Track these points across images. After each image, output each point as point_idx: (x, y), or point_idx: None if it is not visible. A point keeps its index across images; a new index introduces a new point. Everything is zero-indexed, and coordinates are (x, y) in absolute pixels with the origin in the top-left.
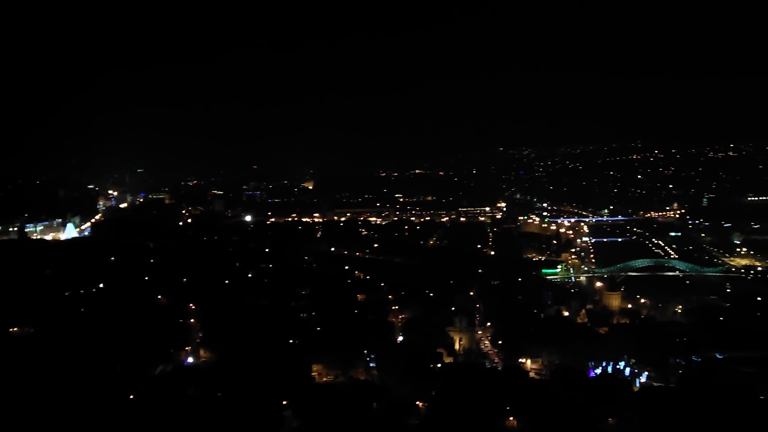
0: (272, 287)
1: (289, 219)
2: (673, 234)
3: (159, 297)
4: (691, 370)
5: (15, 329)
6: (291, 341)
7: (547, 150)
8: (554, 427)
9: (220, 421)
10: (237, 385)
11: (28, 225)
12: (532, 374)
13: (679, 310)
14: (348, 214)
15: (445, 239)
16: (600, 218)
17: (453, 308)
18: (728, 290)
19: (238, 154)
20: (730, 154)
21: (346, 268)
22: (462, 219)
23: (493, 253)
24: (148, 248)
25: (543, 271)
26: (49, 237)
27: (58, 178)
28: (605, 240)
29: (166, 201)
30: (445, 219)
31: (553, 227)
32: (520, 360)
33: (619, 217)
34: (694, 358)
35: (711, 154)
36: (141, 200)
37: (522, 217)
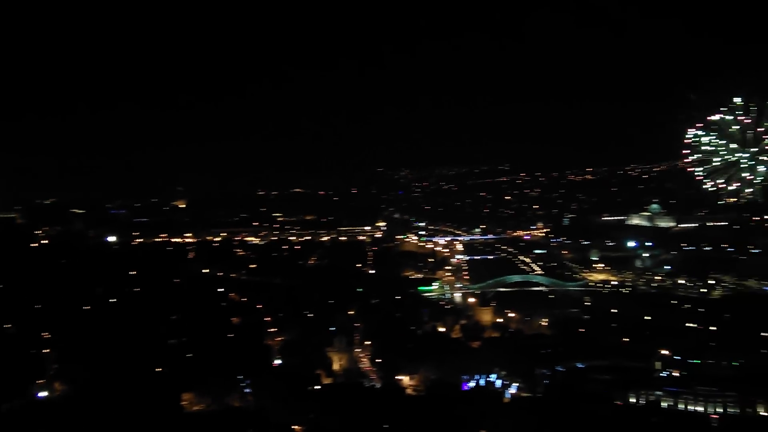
0: (138, 312)
1: (159, 239)
2: (538, 251)
3: (7, 326)
4: (555, 380)
5: None
6: (159, 369)
7: (424, 171)
8: None
9: None
10: (96, 420)
11: None
12: (409, 391)
13: (545, 323)
14: (224, 234)
15: (325, 259)
16: (473, 237)
17: (332, 328)
18: (587, 303)
19: (102, 170)
20: (588, 177)
21: (221, 290)
22: (342, 238)
23: (372, 272)
24: None
25: (420, 288)
26: None
27: None
28: (477, 258)
29: (18, 221)
30: (325, 238)
31: (430, 246)
32: (398, 377)
33: (490, 236)
34: (558, 368)
35: (571, 178)
36: None
37: (400, 236)
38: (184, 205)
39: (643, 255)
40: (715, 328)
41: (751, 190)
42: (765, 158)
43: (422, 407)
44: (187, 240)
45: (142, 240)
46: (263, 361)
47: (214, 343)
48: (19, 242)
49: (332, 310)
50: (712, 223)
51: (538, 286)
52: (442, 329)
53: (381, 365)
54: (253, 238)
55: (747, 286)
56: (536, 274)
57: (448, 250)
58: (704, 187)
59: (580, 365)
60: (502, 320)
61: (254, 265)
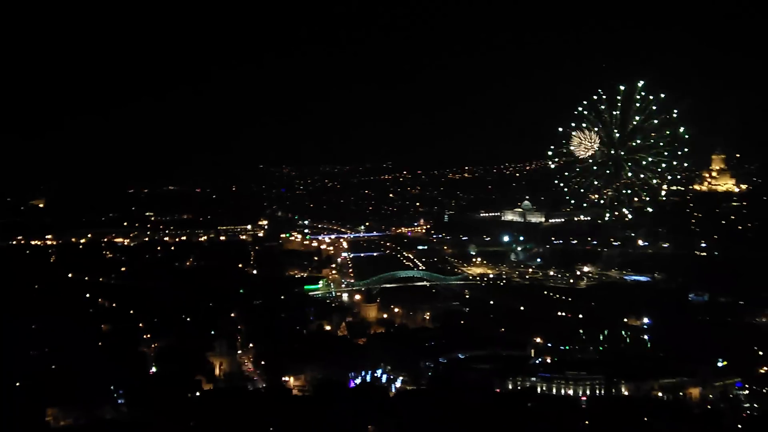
0: None
1: (14, 242)
2: (420, 247)
3: None
4: (438, 372)
5: None
6: (17, 384)
7: (307, 168)
8: None
9: None
10: None
11: None
12: (295, 391)
13: (428, 317)
14: (89, 235)
15: (204, 260)
16: (357, 234)
17: (212, 332)
18: (467, 296)
19: None
20: (466, 176)
21: (87, 296)
22: (222, 238)
23: (255, 272)
24: None
25: (305, 287)
26: None
27: None
28: (362, 255)
29: None
30: (203, 238)
31: (315, 244)
32: (284, 378)
33: (374, 233)
34: (440, 359)
35: (450, 176)
36: None
37: (284, 235)
38: (42, 204)
39: (517, 249)
40: (582, 316)
41: (613, 188)
42: (627, 157)
43: (308, 407)
44: (47, 242)
45: None
46: (138, 369)
47: (81, 353)
48: None
49: (212, 313)
50: (578, 219)
51: (421, 281)
52: (328, 328)
53: (265, 367)
54: (122, 239)
55: (609, 276)
56: (419, 270)
57: (333, 248)
58: (570, 184)
59: (461, 356)
60: (387, 316)
61: (124, 268)
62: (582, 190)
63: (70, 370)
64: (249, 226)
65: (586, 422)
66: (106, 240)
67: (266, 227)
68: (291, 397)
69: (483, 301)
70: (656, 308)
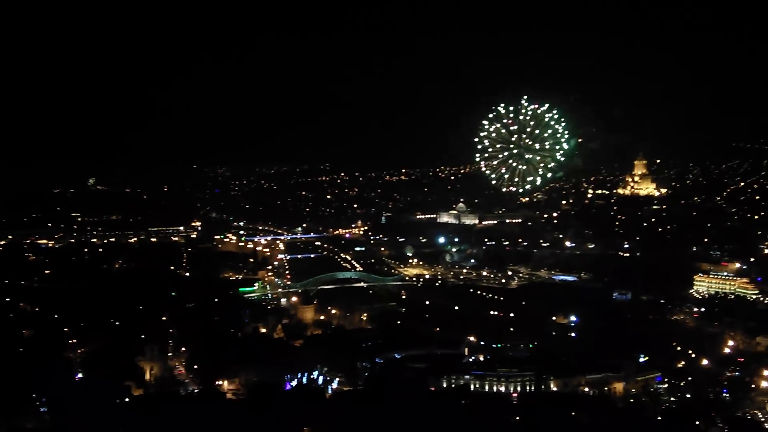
0: None
1: None
2: (358, 249)
3: None
4: (375, 371)
5: None
6: None
7: (243, 169)
8: None
9: None
10: None
11: None
12: (229, 395)
13: (365, 318)
14: (9, 237)
15: (134, 262)
16: (294, 236)
17: (143, 336)
18: (404, 297)
19: None
20: (402, 178)
21: (7, 300)
22: (153, 239)
23: (188, 274)
24: None
25: (240, 289)
26: None
27: None
28: (299, 256)
29: None
30: (133, 240)
31: (250, 245)
32: (218, 382)
33: (312, 235)
34: (377, 360)
35: (387, 178)
36: None
37: (218, 236)
38: None
39: (452, 250)
40: (513, 315)
41: (530, 186)
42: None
43: (243, 410)
44: None
45: None
46: (63, 375)
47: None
48: None
49: (142, 316)
50: (509, 221)
51: (358, 282)
52: (263, 330)
53: (198, 371)
54: (46, 241)
55: (539, 276)
56: (356, 271)
57: (269, 250)
58: (499, 186)
59: (397, 356)
60: (324, 317)
61: (48, 271)
62: (512, 193)
63: None
64: (182, 228)
65: (517, 418)
66: (28, 242)
67: (200, 229)
68: (225, 401)
69: (419, 302)
70: (582, 307)
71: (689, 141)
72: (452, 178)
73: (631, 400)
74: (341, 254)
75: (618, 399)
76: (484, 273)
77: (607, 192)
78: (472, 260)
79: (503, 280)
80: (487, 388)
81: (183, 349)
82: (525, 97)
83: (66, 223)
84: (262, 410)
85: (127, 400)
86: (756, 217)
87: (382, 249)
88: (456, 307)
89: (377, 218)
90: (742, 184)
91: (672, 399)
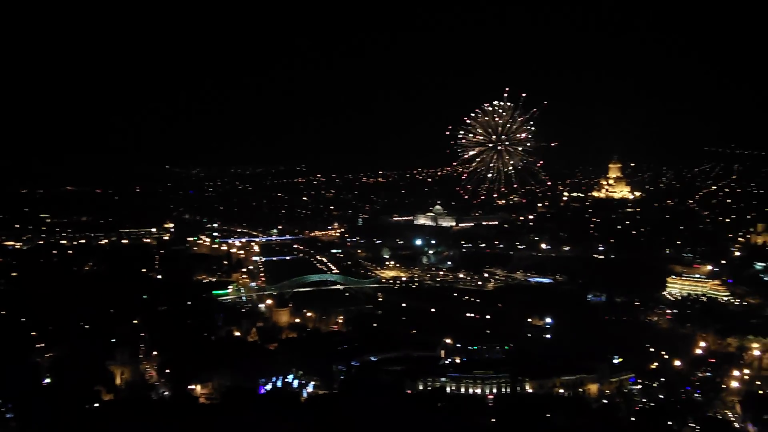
0: None
1: None
2: (334, 251)
3: None
4: (351, 375)
5: None
6: None
7: (217, 170)
8: None
9: None
10: None
11: None
12: (202, 399)
13: (341, 321)
14: None
15: (104, 264)
16: (269, 238)
17: (113, 340)
18: (380, 299)
19: None
20: (379, 180)
21: None
22: (124, 241)
23: (160, 277)
24: None
25: (214, 292)
26: None
27: None
28: (274, 258)
29: None
30: (104, 242)
31: (224, 247)
32: (190, 386)
33: (287, 237)
34: (353, 363)
35: (364, 180)
36: None
37: (192, 238)
38: None
39: (429, 252)
40: (489, 317)
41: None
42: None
43: (216, 415)
44: None
45: None
46: (30, 380)
47: None
48: None
49: (113, 320)
50: (486, 223)
51: (334, 285)
52: (237, 333)
53: (170, 376)
54: (14, 243)
55: (515, 278)
56: (333, 273)
57: (243, 252)
58: (476, 188)
59: (373, 359)
60: (299, 320)
61: (15, 273)
62: (490, 195)
63: None
64: (154, 229)
65: (492, 420)
66: None
67: (173, 230)
68: (197, 406)
69: (396, 304)
70: (558, 308)
71: (663, 145)
72: (429, 180)
73: (605, 401)
74: (317, 256)
75: (592, 400)
76: (461, 275)
77: (582, 195)
78: (449, 262)
79: (479, 282)
80: (463, 390)
81: (155, 353)
82: (500, 101)
83: (34, 224)
84: (236, 415)
85: (96, 405)
86: (727, 220)
87: (359, 251)
88: (432, 310)
89: (354, 220)
90: (714, 187)
91: (645, 400)
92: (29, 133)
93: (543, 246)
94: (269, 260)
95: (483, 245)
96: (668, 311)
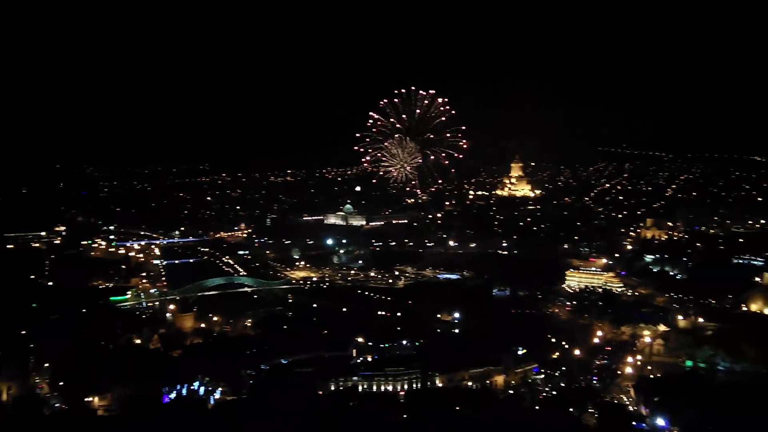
0: None
1: None
2: (241, 252)
3: None
4: (261, 379)
5: None
6: None
7: (113, 169)
8: None
9: None
10: None
11: None
12: (101, 412)
13: (249, 324)
14: None
15: None
16: (171, 240)
17: None
18: (290, 300)
19: None
20: (288, 179)
21: None
22: (9, 246)
23: (51, 283)
24: None
25: (112, 298)
26: None
27: None
28: (177, 262)
29: None
30: None
31: (122, 251)
32: (88, 399)
33: (191, 238)
34: (262, 366)
35: (272, 179)
36: None
37: (86, 242)
38: None
39: (340, 252)
40: (400, 314)
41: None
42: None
43: (115, 427)
44: None
45: None
46: None
47: None
48: None
49: None
50: (395, 221)
51: (242, 287)
52: (138, 341)
53: (65, 389)
54: None
55: (424, 275)
56: (240, 275)
57: (143, 255)
58: (387, 188)
59: (284, 361)
60: (205, 325)
61: None
62: (399, 194)
63: None
64: (43, 233)
65: (404, 416)
66: None
67: (64, 233)
68: (96, 418)
69: (306, 305)
70: (465, 304)
71: (561, 145)
72: (339, 179)
73: (511, 392)
74: (223, 258)
75: (499, 391)
76: (372, 273)
77: (486, 193)
78: (360, 261)
79: (390, 281)
80: (375, 388)
81: (46, 365)
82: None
83: None
84: (138, 425)
85: None
86: (620, 216)
87: (268, 252)
88: (344, 309)
89: (262, 220)
90: (607, 185)
91: (548, 388)
92: None
93: (451, 243)
94: (171, 263)
95: (393, 243)
96: (567, 303)
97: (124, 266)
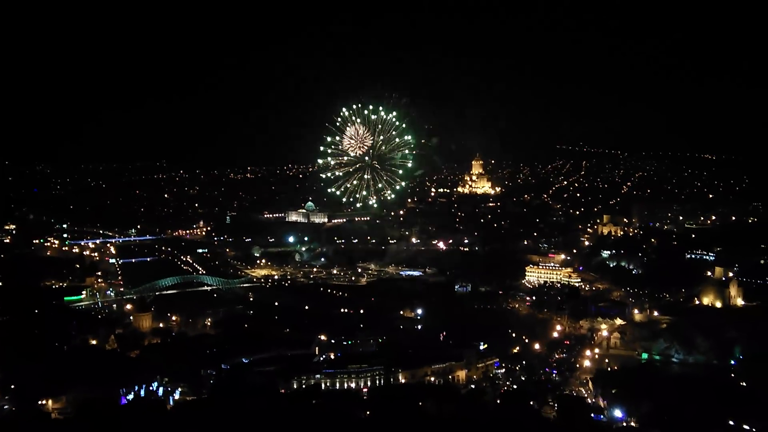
0: None
1: None
2: (200, 251)
3: None
4: (221, 378)
5: None
6: None
7: (66, 167)
8: None
9: None
10: None
11: None
12: (54, 415)
13: (209, 323)
14: None
15: None
16: (127, 238)
17: None
18: (251, 299)
19: None
20: (248, 176)
21: None
22: None
23: (1, 284)
24: None
25: (66, 298)
26: None
27: None
28: (134, 260)
29: None
30: None
31: (76, 250)
32: (41, 402)
33: (148, 236)
34: (223, 366)
35: (231, 176)
36: None
37: (38, 241)
38: None
39: (302, 249)
40: (363, 311)
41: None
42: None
43: (70, 430)
44: None
45: None
46: None
47: None
48: None
49: None
50: (358, 219)
51: (201, 286)
52: (94, 342)
53: (17, 392)
54: None
55: (387, 271)
56: (200, 274)
57: (98, 254)
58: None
59: (245, 360)
60: (163, 325)
61: None
62: (351, 191)
63: None
64: None
65: (368, 412)
66: None
67: (14, 232)
68: (49, 422)
69: (268, 303)
70: (428, 300)
71: (520, 142)
72: (300, 176)
73: (473, 386)
74: (182, 257)
75: (461, 386)
76: (334, 271)
77: (448, 191)
78: (322, 259)
79: (353, 278)
80: (338, 385)
81: None
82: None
83: None
84: (93, 428)
85: None
86: (577, 212)
87: (228, 250)
88: (306, 307)
89: (221, 218)
90: (565, 183)
91: (509, 382)
92: None
93: (413, 240)
94: (128, 262)
95: (356, 241)
96: (527, 298)
97: (78, 265)
